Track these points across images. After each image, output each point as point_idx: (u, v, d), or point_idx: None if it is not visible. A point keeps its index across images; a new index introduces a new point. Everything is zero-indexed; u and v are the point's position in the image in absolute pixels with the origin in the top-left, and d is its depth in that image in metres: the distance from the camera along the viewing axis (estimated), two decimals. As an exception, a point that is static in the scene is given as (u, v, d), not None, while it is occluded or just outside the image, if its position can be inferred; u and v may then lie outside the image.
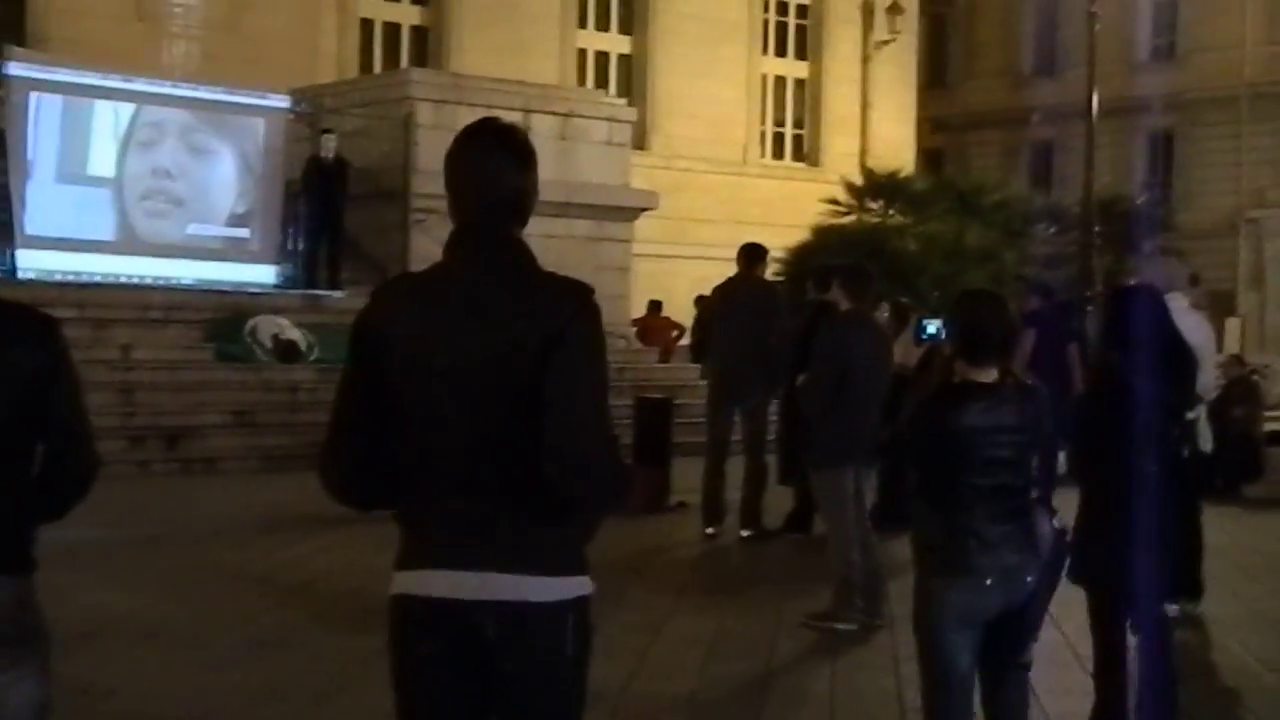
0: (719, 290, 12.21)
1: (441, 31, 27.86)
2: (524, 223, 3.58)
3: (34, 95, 17.45)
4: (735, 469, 11.77)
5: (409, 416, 3.41)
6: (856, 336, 8.31)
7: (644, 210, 22.44)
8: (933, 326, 10.27)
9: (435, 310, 3.41)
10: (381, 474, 3.46)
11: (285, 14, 24.58)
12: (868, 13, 33.33)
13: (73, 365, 4.04)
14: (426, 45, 27.98)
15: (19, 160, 17.25)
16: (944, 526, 4.72)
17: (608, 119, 21.80)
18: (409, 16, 28.09)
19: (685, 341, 21.53)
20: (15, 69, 17.51)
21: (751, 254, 12.07)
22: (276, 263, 18.90)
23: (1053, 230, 25.87)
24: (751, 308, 11.69)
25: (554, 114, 21.04)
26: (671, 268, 26.54)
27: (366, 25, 27.42)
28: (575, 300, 3.43)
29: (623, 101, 24.37)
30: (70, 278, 17.03)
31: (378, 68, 26.90)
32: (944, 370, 4.78)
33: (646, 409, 13.40)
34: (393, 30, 27.90)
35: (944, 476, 4.71)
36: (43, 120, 17.55)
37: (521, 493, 3.33)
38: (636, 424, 13.11)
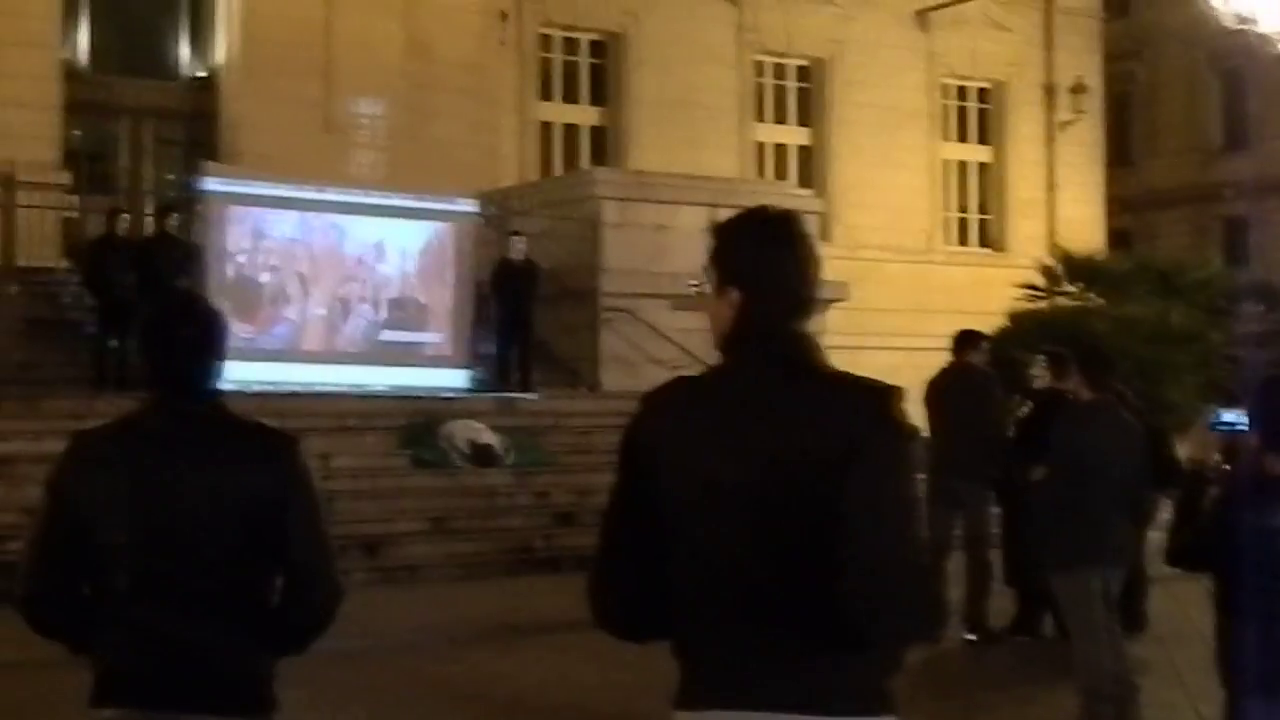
0: (932, 381, 11.74)
1: (619, 130, 27.91)
2: (809, 319, 3.20)
3: (229, 209, 17.68)
4: (955, 566, 11.25)
5: (687, 536, 3.03)
6: (1101, 428, 7.79)
7: (833, 302, 22.02)
8: (1229, 415, 9.61)
9: (716, 418, 3.03)
10: (658, 602, 3.09)
11: (466, 120, 24.76)
12: (1050, 93, 32.73)
13: (311, 488, 3.78)
14: (605, 144, 28.05)
15: (215, 273, 17.44)
16: (1260, 641, 4.23)
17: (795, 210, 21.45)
18: (587, 117, 28.19)
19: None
20: (211, 184, 17.76)
21: (965, 341, 11.60)
22: (468, 366, 18.84)
23: (1261, 308, 24.93)
24: (967, 397, 11.21)
25: (739, 208, 20.68)
26: (857, 359, 25.78)
27: (545, 128, 27.57)
28: (876, 404, 3.02)
29: (808, 193, 24.07)
30: (268, 387, 17.11)
31: (557, 169, 27.01)
32: (1252, 465, 4.31)
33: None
34: (571, 131, 28.02)
35: (1255, 584, 4.23)
36: (237, 232, 17.76)
37: (817, 622, 2.92)
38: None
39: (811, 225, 21.84)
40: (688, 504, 3.04)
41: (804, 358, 3.08)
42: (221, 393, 3.83)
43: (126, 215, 17.29)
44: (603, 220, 19.74)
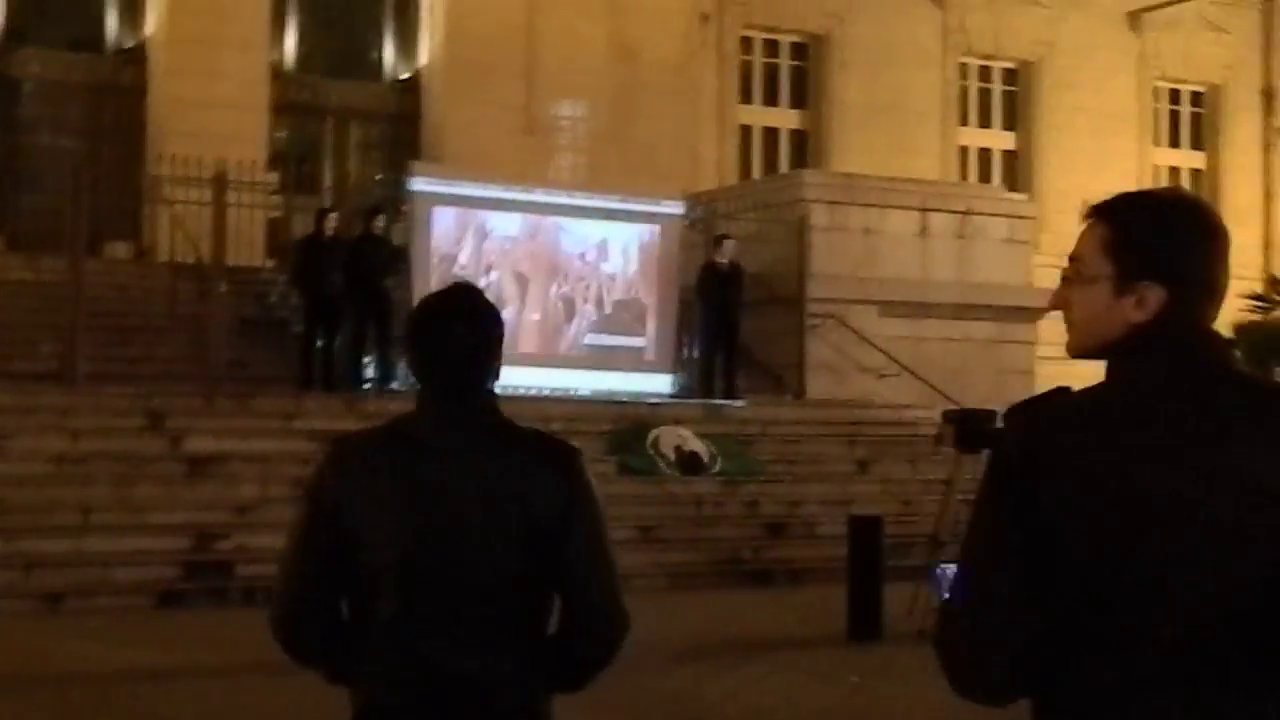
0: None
1: (820, 134, 27.37)
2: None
3: (436, 209, 17.57)
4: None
5: (1106, 578, 2.44)
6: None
7: (1049, 311, 21.28)
8: None
9: (1159, 436, 2.45)
10: (1044, 652, 2.48)
11: (668, 123, 24.46)
12: (1268, 97, 31.43)
13: (597, 503, 3.39)
14: (805, 148, 27.54)
15: (422, 273, 17.32)
16: None
17: (1007, 215, 20.79)
18: (787, 121, 27.71)
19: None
20: (419, 184, 17.67)
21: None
22: (672, 372, 18.49)
23: None
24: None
25: (951, 212, 20.17)
26: (1068, 370, 25.02)
27: (745, 131, 27.15)
28: None
29: (1023, 197, 23.30)
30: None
31: (756, 172, 26.58)
32: None
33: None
34: (771, 135, 27.56)
35: None
36: (443, 233, 17.65)
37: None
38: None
39: (1025, 231, 21.22)
40: (1111, 536, 2.44)
41: (1226, 361, 2.56)
42: (495, 395, 3.45)
43: (335, 215, 17.23)
44: (810, 223, 19.25)
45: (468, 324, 3.45)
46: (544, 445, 3.40)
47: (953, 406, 17.99)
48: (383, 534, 3.28)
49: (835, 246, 19.47)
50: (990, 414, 11.89)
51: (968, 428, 11.85)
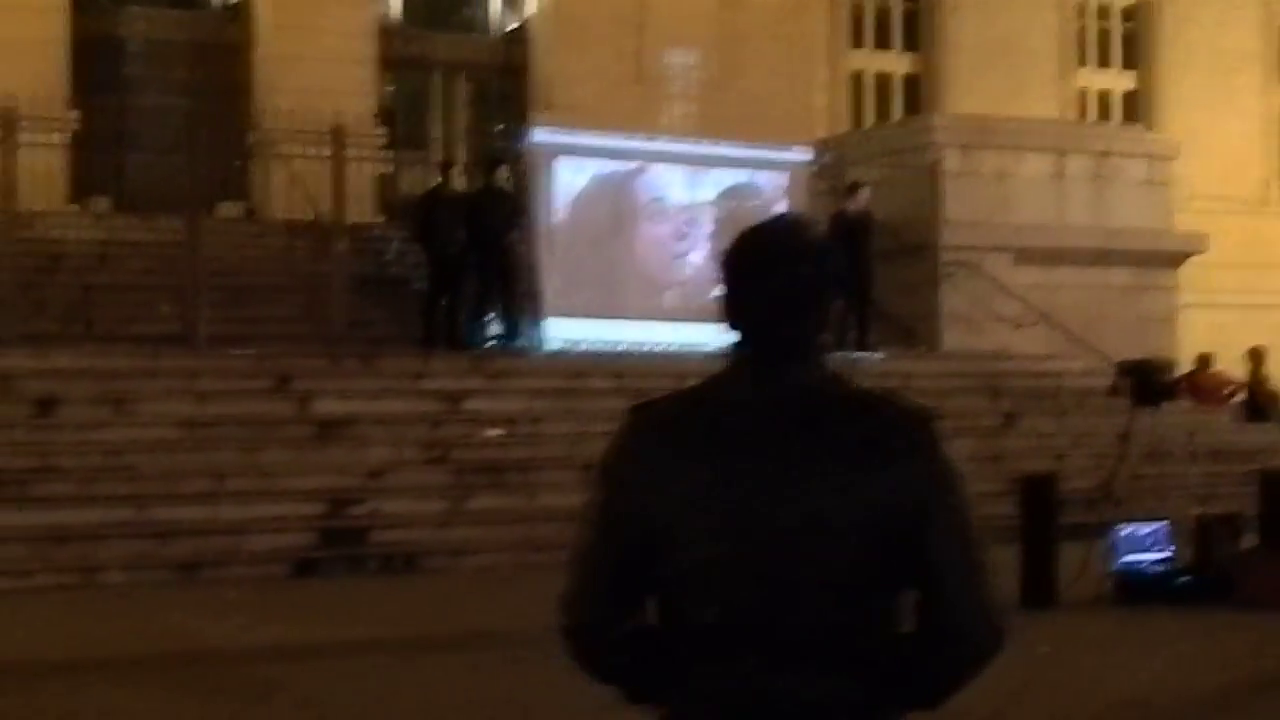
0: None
1: (934, 79, 26.53)
2: None
3: (557, 160, 17.03)
4: None
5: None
6: None
7: (1190, 255, 20.45)
8: None
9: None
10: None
11: (779, 71, 23.73)
12: (1396, 31, 30.20)
13: (959, 483, 2.77)
14: (918, 94, 26.73)
15: (544, 227, 16.82)
16: None
17: (1147, 156, 19.96)
18: (900, 65, 26.89)
19: (1241, 398, 19.48)
20: (539, 135, 17.15)
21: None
22: (803, 324, 17.85)
23: None
24: None
25: (1089, 153, 19.36)
26: (1184, 317, 24.32)
27: (856, 77, 26.38)
28: None
29: (1162, 136, 22.38)
30: (596, 345, 16.43)
31: (868, 120, 25.83)
32: None
33: (1272, 483, 11.57)
34: (883, 81, 26.77)
35: None
36: (564, 186, 17.12)
37: None
38: (1264, 499, 11.32)
39: (1165, 172, 20.36)
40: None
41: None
42: (824, 353, 2.82)
43: (458, 168, 16.74)
44: (943, 169, 18.52)
45: (799, 263, 2.83)
46: (892, 413, 2.78)
47: (1100, 355, 17.33)
48: (695, 526, 2.68)
49: (967, 192, 18.74)
50: (1167, 364, 11.25)
51: (1145, 379, 11.18)
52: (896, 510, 2.64)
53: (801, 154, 18.49)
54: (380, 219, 19.99)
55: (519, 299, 16.50)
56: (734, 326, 2.82)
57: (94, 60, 20.48)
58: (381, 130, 21.10)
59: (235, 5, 21.72)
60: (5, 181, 15.64)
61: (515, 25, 23.33)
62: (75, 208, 19.00)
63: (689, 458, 2.71)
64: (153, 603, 11.25)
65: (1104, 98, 28.33)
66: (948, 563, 2.68)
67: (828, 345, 2.83)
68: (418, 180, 21.59)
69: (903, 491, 2.65)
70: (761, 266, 2.82)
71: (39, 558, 11.76)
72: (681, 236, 17.57)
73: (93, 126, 19.69)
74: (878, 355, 16.99)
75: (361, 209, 19.08)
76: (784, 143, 18.91)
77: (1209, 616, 10.44)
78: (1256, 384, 19.71)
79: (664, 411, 2.86)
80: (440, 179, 16.92)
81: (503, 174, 16.97)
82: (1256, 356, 20.19)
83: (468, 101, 23.31)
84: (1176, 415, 13.98)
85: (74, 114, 19.24)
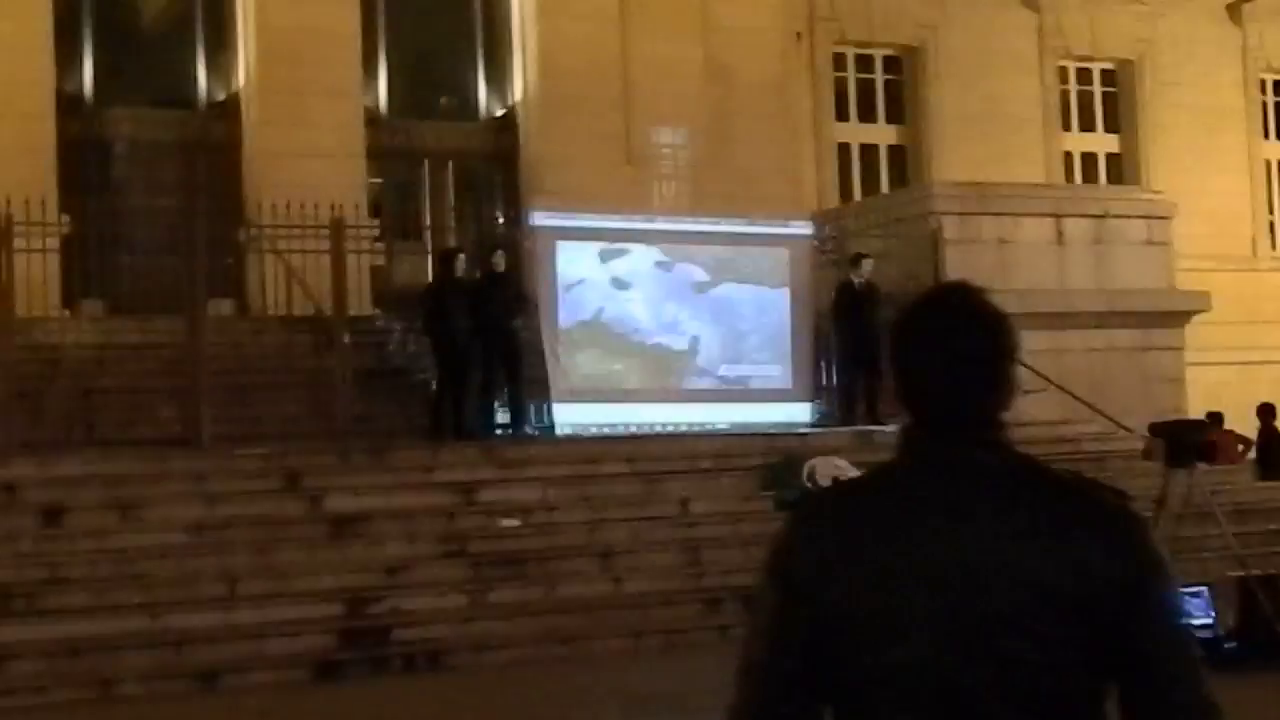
0: None
1: (919, 148, 26.55)
2: None
3: (558, 244, 16.88)
4: None
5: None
6: None
7: (1194, 314, 20.33)
8: None
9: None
10: None
11: (767, 144, 23.65)
12: (1376, 85, 30.36)
13: (1167, 570, 2.56)
14: (904, 163, 26.72)
15: (547, 311, 16.64)
16: None
17: (1145, 216, 19.90)
18: (885, 136, 26.91)
19: (1251, 456, 19.32)
20: (539, 219, 17.01)
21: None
22: (811, 399, 17.67)
23: None
24: None
25: (1087, 216, 19.28)
26: (1216, 375, 24.24)
27: (843, 149, 26.37)
28: None
29: (1160, 195, 22.31)
30: (605, 430, 16.22)
31: (856, 191, 25.79)
32: None
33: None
34: (869, 152, 26.76)
35: None
36: (566, 269, 16.96)
37: None
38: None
39: (1165, 231, 20.26)
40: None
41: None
42: (1005, 432, 2.62)
43: (463, 256, 16.56)
44: (943, 236, 18.41)
45: (977, 332, 2.64)
46: (1101, 494, 2.57)
47: (1104, 419, 17.15)
48: (881, 626, 2.45)
49: (968, 259, 18.62)
50: (1199, 424, 11.05)
51: (1178, 440, 10.98)
52: (1110, 592, 2.43)
53: (801, 227, 18.39)
54: (377, 311, 19.78)
55: (525, 385, 16.29)
56: (910, 402, 2.62)
57: (81, 163, 20.31)
58: (374, 222, 20.93)
59: (222, 103, 21.60)
60: (4, 287, 15.39)
61: (502, 111, 23.24)
62: (68, 313, 18.74)
63: (866, 550, 2.49)
64: (172, 715, 10.93)
65: (1089, 160, 28.37)
66: (1160, 655, 2.47)
67: (1008, 421, 2.63)
68: (411, 271, 21.41)
69: (1111, 579, 2.44)
70: (926, 336, 2.63)
71: (53, 673, 11.42)
72: (685, 315, 17.40)
73: (83, 229, 19.48)
74: (890, 427, 16.78)
75: (359, 301, 18.87)
76: (777, 216, 18.81)
77: (1260, 683, 10.18)
78: (1268, 440, 19.54)
79: (834, 503, 2.65)
80: (442, 268, 16.73)
81: (500, 259, 16.81)
82: (1267, 412, 20.05)
83: (457, 189, 23.17)
84: (1199, 476, 13.76)
85: (64, 218, 19.03)
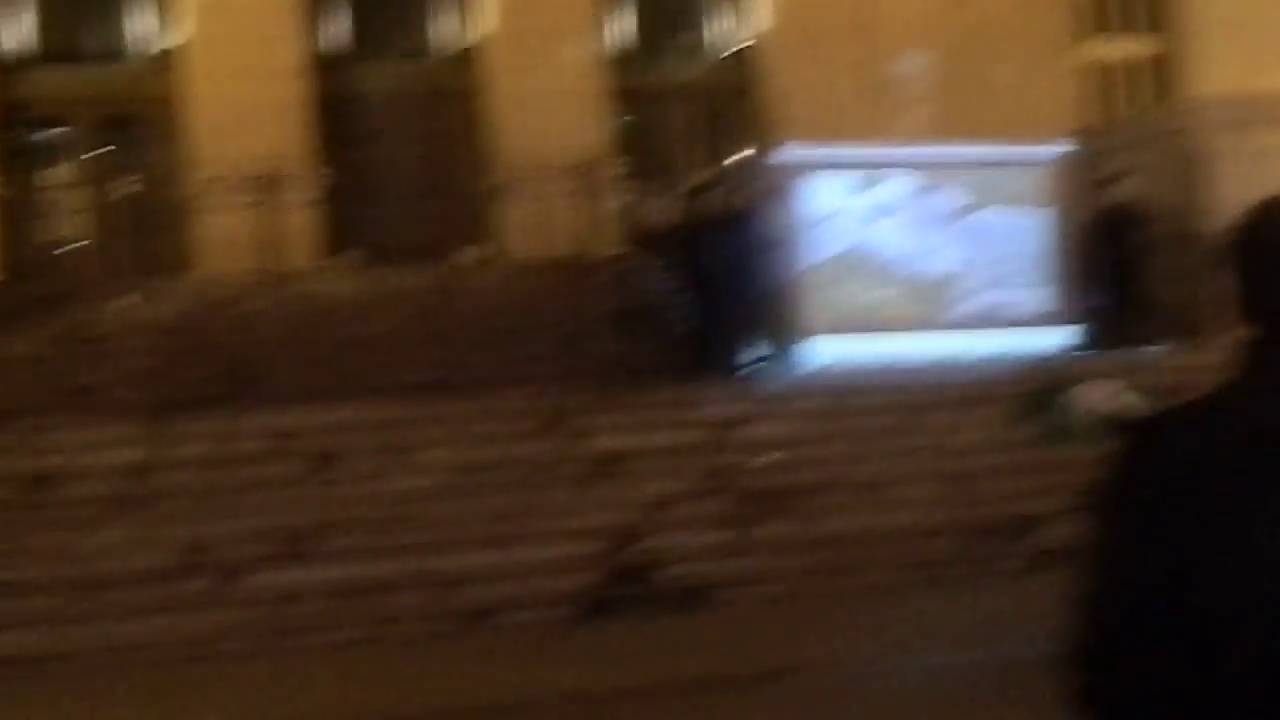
0: None
1: (1180, 60, 25.47)
2: None
3: (808, 177, 16.69)
4: None
5: None
6: None
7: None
8: None
9: None
10: None
11: (1015, 65, 22.99)
12: None
13: None
14: (1165, 77, 25.70)
15: (800, 245, 16.49)
16: None
17: None
18: (1143, 48, 25.90)
19: None
20: (788, 153, 16.84)
21: None
22: (1074, 323, 17.18)
23: None
24: None
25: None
26: None
27: (1099, 64, 25.47)
28: None
29: None
30: (863, 362, 16.01)
31: (1115, 108, 24.90)
32: None
33: None
34: (1126, 66, 25.81)
35: None
36: (816, 202, 16.77)
37: None
38: None
39: None
40: None
41: None
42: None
43: (711, 193, 16.50)
44: (1210, 152, 17.67)
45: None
46: None
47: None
48: (1229, 564, 2.27)
49: (1236, 175, 17.85)
50: None
51: None
52: None
53: (1057, 148, 17.85)
54: (627, 250, 19.86)
55: (780, 320, 16.18)
56: (1254, 319, 2.42)
57: (335, 117, 20.77)
58: (620, 162, 21.00)
59: (466, 50, 21.85)
60: (270, 241, 15.85)
61: (743, 45, 23.06)
62: (330, 263, 19.25)
63: (1212, 478, 2.30)
64: (449, 652, 11.16)
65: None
66: None
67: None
68: (658, 209, 21.45)
69: None
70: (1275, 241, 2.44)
71: (333, 612, 11.77)
72: (941, 243, 17.08)
73: (339, 182, 19.96)
74: (1160, 348, 16.26)
75: (608, 242, 18.98)
76: (1031, 138, 18.29)
77: None
78: None
79: (1172, 427, 2.45)
80: (693, 204, 16.69)
81: (750, 194, 16.70)
82: None
83: (701, 125, 23.09)
84: None
85: (323, 172, 19.53)
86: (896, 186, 17.11)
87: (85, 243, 19.88)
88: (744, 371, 16.12)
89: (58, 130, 20.52)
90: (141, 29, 20.66)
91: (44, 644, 11.21)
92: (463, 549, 12.52)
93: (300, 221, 18.69)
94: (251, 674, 10.67)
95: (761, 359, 16.33)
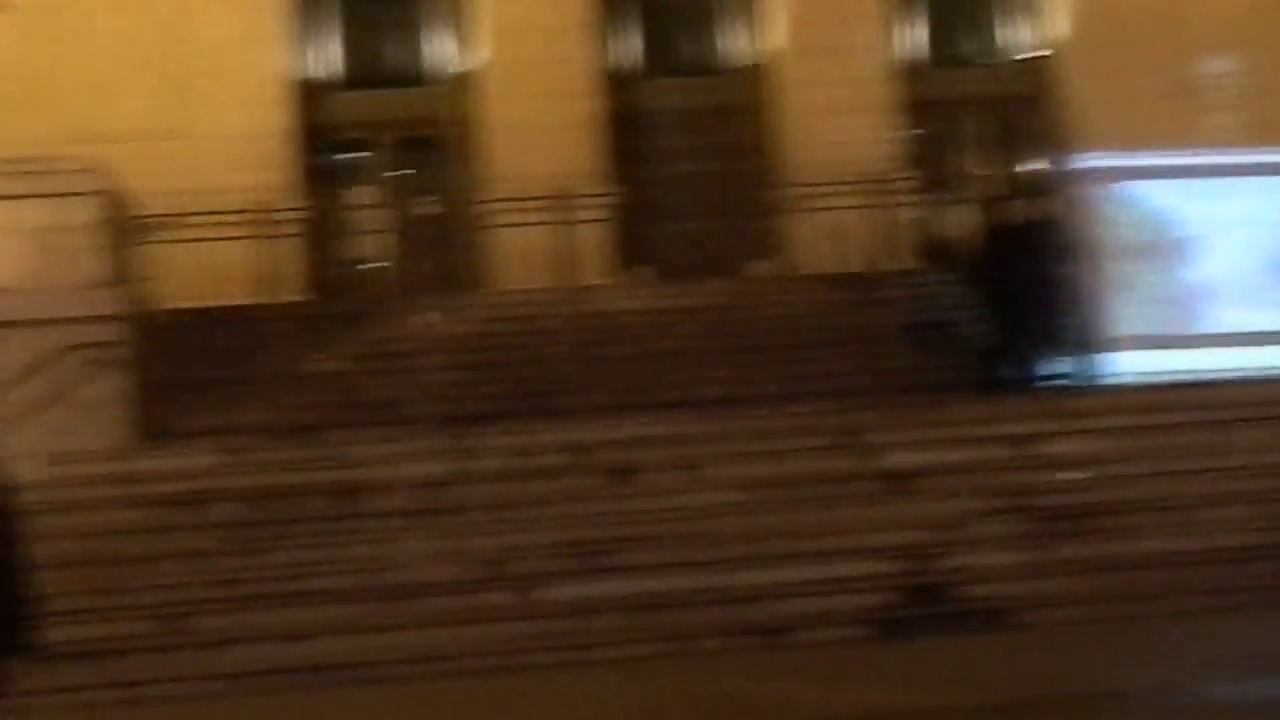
0: None
1: None
2: None
3: (1108, 186, 16.19)
4: None
5: None
6: None
7: None
8: None
9: None
10: None
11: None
12: None
13: None
14: None
15: (1102, 255, 15.99)
16: None
17: None
18: None
19: None
20: (1090, 160, 16.36)
21: None
22: None
23: None
24: None
25: None
26: None
27: None
28: None
29: None
30: (1170, 376, 15.41)
31: None
32: None
33: None
34: None
35: None
36: (1118, 211, 16.25)
37: None
38: None
39: None
40: None
41: None
42: None
43: (1012, 203, 16.15)
44: None
45: None
46: None
47: None
48: None
49: None
50: None
51: None
52: None
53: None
54: (918, 263, 19.57)
55: (1082, 333, 15.71)
56: None
57: (627, 134, 21.00)
58: (910, 173, 20.73)
59: (756, 65, 21.85)
60: (565, 257, 16.08)
61: (1037, 53, 22.54)
62: (622, 278, 19.45)
63: None
64: (748, 669, 11.09)
65: None
66: None
67: None
68: (950, 221, 21.11)
69: None
70: None
71: (632, 627, 11.81)
72: (1251, 253, 16.37)
73: (630, 198, 20.18)
74: None
75: (899, 255, 18.74)
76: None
77: None
78: None
79: None
80: (991, 214, 16.34)
81: (1051, 204, 16.28)
82: None
83: (993, 134, 22.64)
84: None
85: (615, 188, 19.77)
86: (1204, 194, 16.44)
87: (386, 261, 20.48)
88: (1044, 386, 15.69)
89: (360, 152, 21.22)
90: (440, 53, 21.24)
91: (351, 651, 11.49)
92: (757, 565, 12.42)
93: (592, 238, 18.95)
94: (553, 686, 10.76)
95: (1063, 373, 15.88)
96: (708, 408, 15.12)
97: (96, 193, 14.54)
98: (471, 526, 12.86)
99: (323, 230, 20.56)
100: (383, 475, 13.43)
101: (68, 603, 10.38)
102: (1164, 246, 16.51)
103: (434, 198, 20.92)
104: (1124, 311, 15.91)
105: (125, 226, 15.59)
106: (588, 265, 17.87)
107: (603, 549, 12.48)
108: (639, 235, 20.28)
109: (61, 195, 14.30)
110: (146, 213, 16.27)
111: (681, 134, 21.73)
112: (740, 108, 21.93)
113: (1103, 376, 15.76)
